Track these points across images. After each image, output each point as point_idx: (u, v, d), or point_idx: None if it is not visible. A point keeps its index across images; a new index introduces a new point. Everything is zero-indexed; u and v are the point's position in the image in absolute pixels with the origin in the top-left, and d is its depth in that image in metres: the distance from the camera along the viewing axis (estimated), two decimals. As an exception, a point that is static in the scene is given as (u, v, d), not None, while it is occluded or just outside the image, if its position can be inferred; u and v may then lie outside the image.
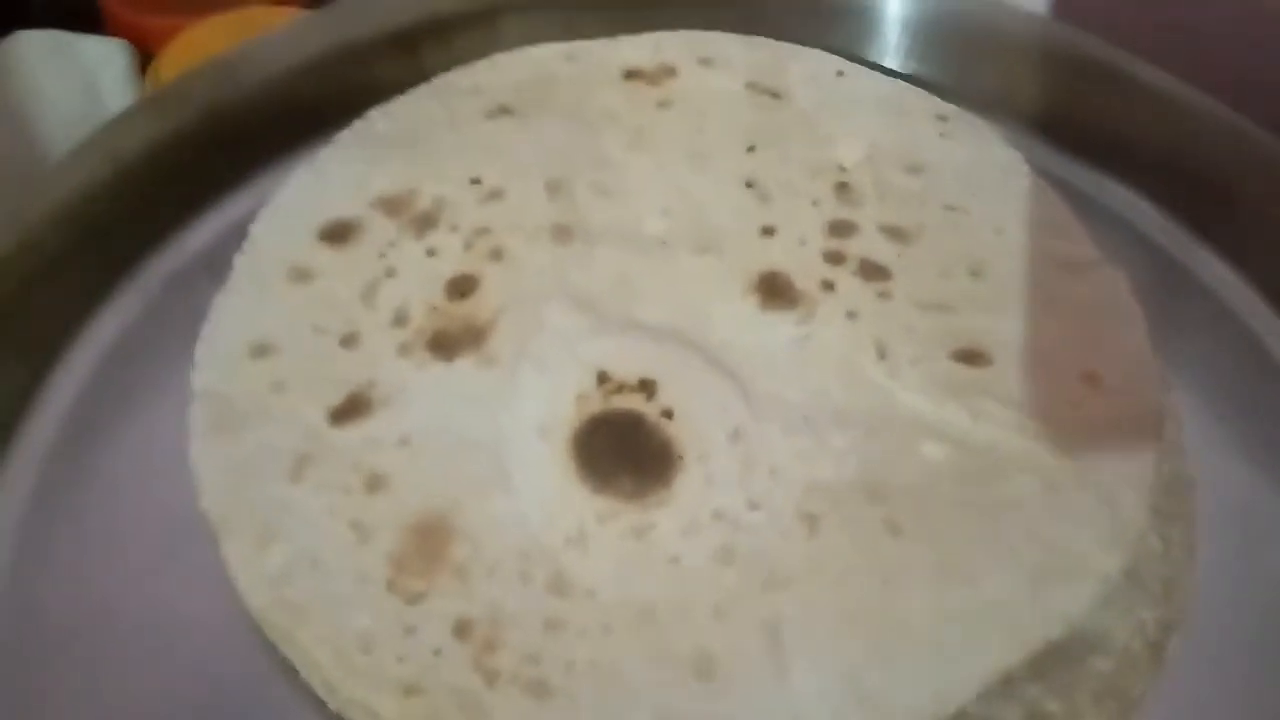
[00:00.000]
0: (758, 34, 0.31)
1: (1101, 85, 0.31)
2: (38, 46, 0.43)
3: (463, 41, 0.32)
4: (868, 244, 0.25)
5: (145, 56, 0.47)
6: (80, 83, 0.44)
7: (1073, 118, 0.31)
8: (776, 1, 0.33)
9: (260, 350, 0.23)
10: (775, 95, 0.28)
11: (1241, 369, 0.27)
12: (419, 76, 0.30)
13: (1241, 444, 0.25)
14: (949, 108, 0.28)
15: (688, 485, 0.21)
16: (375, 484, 0.21)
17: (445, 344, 0.23)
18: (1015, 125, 0.31)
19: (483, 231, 0.25)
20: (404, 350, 0.23)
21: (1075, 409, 0.22)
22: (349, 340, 0.23)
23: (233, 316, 0.24)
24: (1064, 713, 0.20)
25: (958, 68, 0.32)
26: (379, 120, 0.28)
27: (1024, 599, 0.19)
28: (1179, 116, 0.30)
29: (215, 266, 0.25)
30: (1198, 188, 0.29)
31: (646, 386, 0.22)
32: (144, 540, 0.22)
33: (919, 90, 0.29)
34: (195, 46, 0.44)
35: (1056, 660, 0.20)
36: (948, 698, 0.18)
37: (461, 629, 0.19)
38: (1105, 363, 0.23)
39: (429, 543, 0.20)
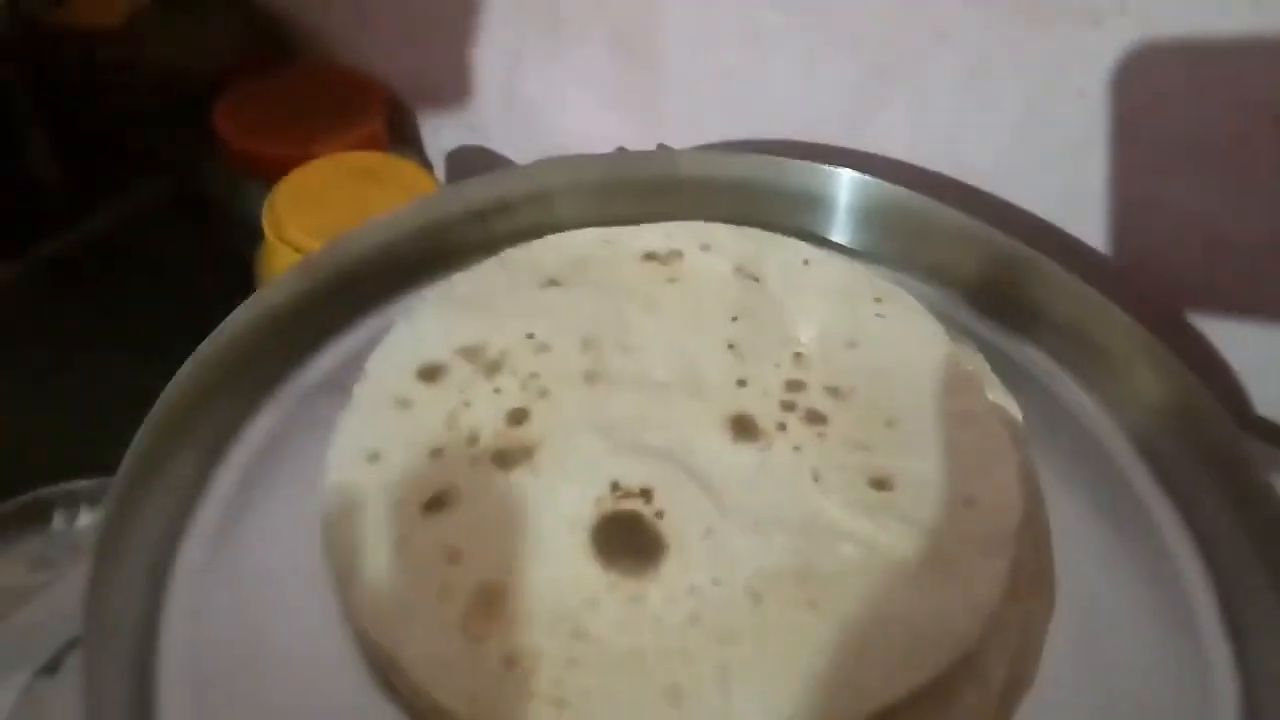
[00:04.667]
0: (750, 216, 0.40)
1: (1013, 269, 0.40)
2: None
3: (524, 215, 0.42)
4: (813, 398, 0.34)
5: (262, 180, 0.57)
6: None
7: (992, 291, 0.40)
8: (764, 190, 0.42)
9: (373, 457, 0.32)
10: (755, 279, 0.37)
11: (1106, 491, 0.35)
12: (490, 240, 0.40)
13: (1101, 554, 0.34)
14: (886, 288, 0.37)
15: (671, 567, 0.30)
16: (453, 557, 0.30)
17: (505, 459, 0.32)
18: (949, 294, 0.40)
19: (534, 376, 0.34)
20: (474, 462, 0.32)
21: (956, 524, 0.31)
22: (436, 453, 0.32)
23: (353, 431, 0.33)
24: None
25: (906, 248, 0.42)
26: (460, 284, 0.38)
27: (896, 661, 0.28)
28: (1068, 296, 0.39)
29: (335, 388, 0.35)
30: (1082, 348, 0.38)
31: (646, 494, 0.31)
32: (284, 593, 0.31)
33: (865, 273, 0.38)
34: (303, 184, 0.54)
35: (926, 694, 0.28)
36: (838, 721, 0.27)
37: (509, 661, 0.28)
38: (981, 490, 0.32)
39: (490, 600, 0.29)
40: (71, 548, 0.52)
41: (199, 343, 0.35)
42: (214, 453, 0.34)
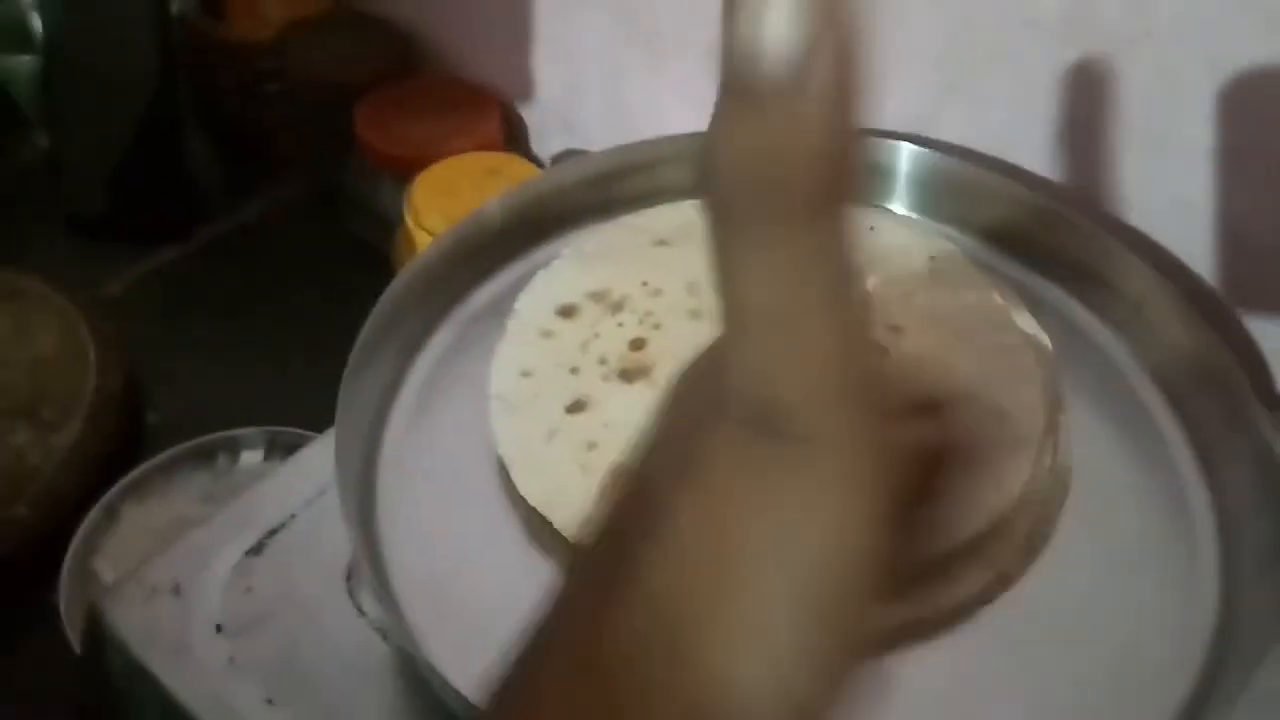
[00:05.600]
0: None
1: (1050, 225, 0.47)
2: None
3: (634, 182, 0.50)
4: (876, 334, 0.42)
5: (395, 178, 0.66)
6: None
7: (1024, 240, 0.48)
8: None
9: (525, 373, 0.41)
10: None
11: (1118, 403, 0.43)
12: (606, 203, 0.49)
13: (1112, 450, 0.41)
14: (940, 247, 0.45)
15: (763, 456, 0.38)
16: (591, 446, 0.38)
17: (628, 375, 0.40)
18: (994, 248, 0.48)
19: (649, 314, 0.43)
20: (605, 378, 0.40)
21: (990, 430, 0.39)
22: (574, 370, 0.41)
23: (508, 354, 0.41)
24: (959, 573, 0.36)
25: (956, 209, 0.49)
26: (587, 243, 0.46)
27: (939, 525, 0.36)
28: (1088, 241, 0.46)
29: (491, 316, 0.44)
30: (1095, 284, 0.46)
31: (742, 403, 0.39)
32: (458, 473, 0.40)
33: (922, 237, 0.46)
34: (438, 180, 0.63)
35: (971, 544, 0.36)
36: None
37: (639, 519, 0.36)
38: (1011, 405, 0.39)
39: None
40: (231, 484, 0.61)
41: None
42: (408, 355, 0.44)
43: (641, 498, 0.20)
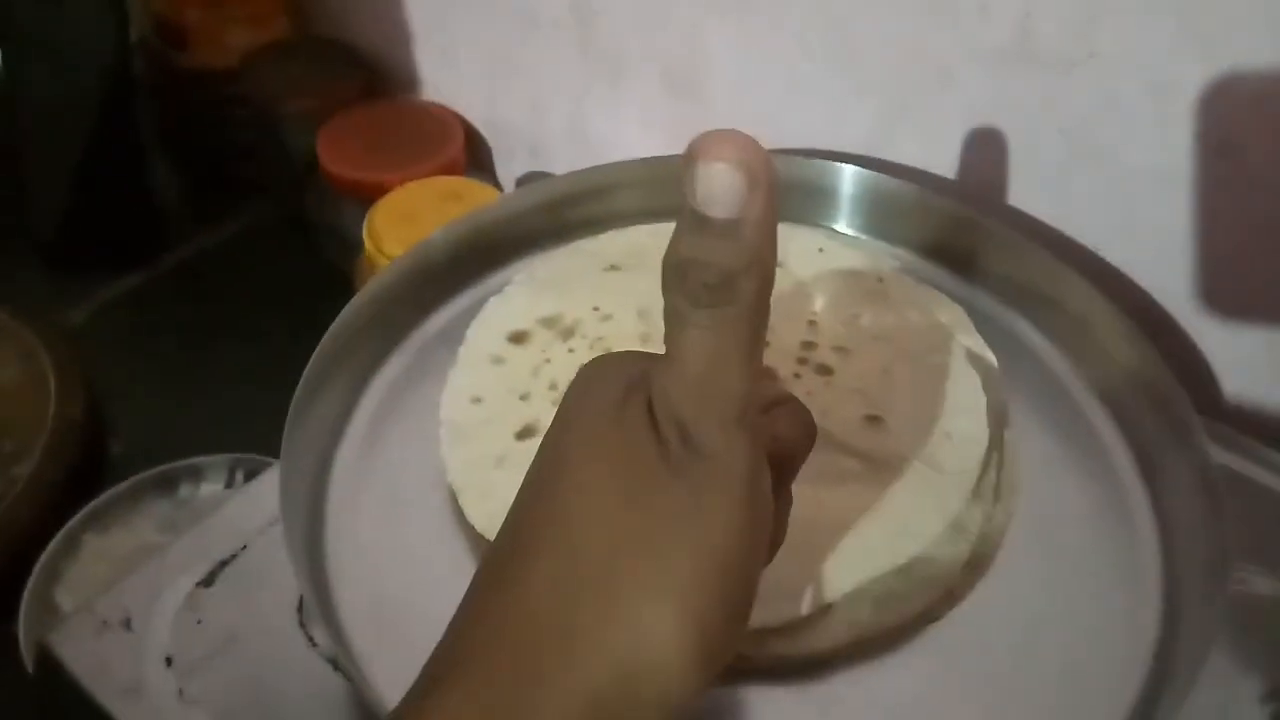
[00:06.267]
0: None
1: (994, 245, 0.48)
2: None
3: (587, 207, 0.51)
4: (822, 355, 0.42)
5: (358, 201, 0.66)
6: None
7: (970, 259, 0.49)
8: (783, 183, 0.51)
9: (476, 400, 0.41)
10: (778, 264, 0.46)
11: (1064, 419, 0.44)
12: (561, 227, 0.49)
13: (1058, 468, 0.42)
14: (886, 269, 0.46)
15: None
16: (540, 472, 0.38)
17: (578, 400, 0.41)
18: (939, 267, 0.49)
19: (600, 339, 0.43)
20: (554, 403, 0.40)
21: (934, 451, 0.39)
22: (525, 397, 0.41)
23: (459, 381, 0.42)
24: (906, 591, 0.36)
25: (904, 229, 0.50)
26: (539, 269, 0.47)
27: (881, 546, 0.36)
28: (1033, 259, 0.47)
29: (445, 341, 0.44)
30: (1039, 302, 0.47)
31: (690, 426, 0.39)
32: (409, 500, 0.40)
33: (869, 258, 0.47)
34: (397, 204, 0.63)
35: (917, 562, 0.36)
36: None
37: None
38: (956, 426, 0.40)
39: (569, 502, 0.38)
40: (194, 512, 0.61)
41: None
42: (359, 384, 0.44)
43: (557, 469, 0.25)
